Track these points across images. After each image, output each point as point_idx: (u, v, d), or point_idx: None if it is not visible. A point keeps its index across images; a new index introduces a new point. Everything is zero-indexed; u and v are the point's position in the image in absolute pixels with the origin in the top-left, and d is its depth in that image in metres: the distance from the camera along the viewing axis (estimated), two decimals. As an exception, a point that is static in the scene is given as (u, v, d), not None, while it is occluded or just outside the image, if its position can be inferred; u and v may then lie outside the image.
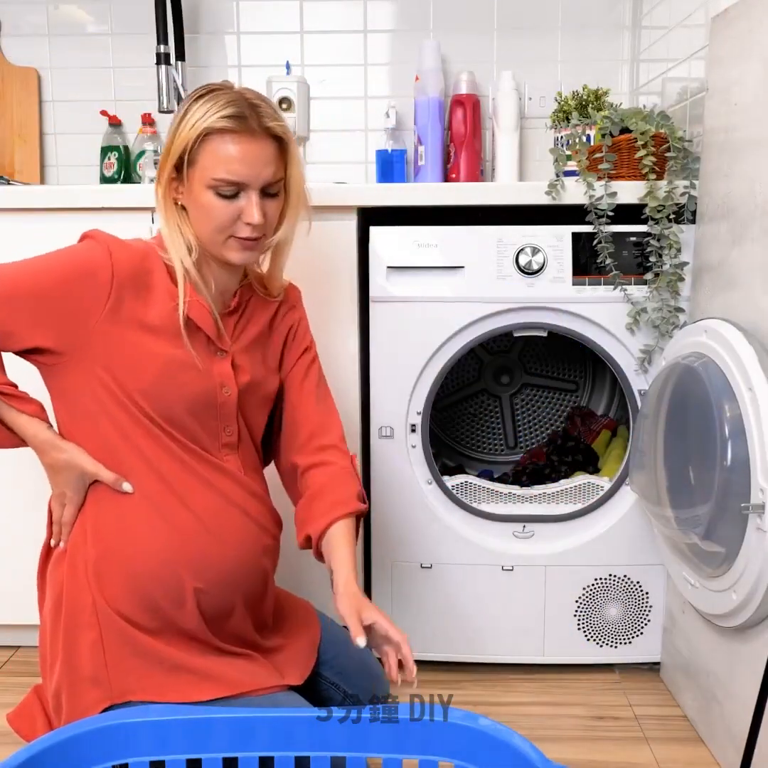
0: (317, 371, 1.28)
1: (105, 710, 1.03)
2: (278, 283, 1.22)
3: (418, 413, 1.55)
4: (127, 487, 1.08)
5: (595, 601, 1.59)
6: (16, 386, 1.09)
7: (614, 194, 1.47)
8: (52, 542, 1.12)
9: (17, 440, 1.10)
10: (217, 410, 1.13)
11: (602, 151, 1.49)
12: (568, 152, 1.60)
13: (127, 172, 2.05)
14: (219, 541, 1.11)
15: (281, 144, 1.09)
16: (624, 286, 1.48)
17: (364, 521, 1.60)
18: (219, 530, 1.11)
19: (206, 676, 1.07)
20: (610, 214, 1.46)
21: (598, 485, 1.58)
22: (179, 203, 1.10)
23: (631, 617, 1.59)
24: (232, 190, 1.06)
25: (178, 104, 1.93)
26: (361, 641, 1.01)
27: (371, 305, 1.53)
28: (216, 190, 1.06)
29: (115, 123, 2.04)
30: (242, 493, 1.15)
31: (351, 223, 1.51)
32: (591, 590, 1.58)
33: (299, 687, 1.19)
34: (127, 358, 1.06)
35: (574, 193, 1.49)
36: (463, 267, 1.50)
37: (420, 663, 1.58)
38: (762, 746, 1.17)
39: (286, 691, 1.12)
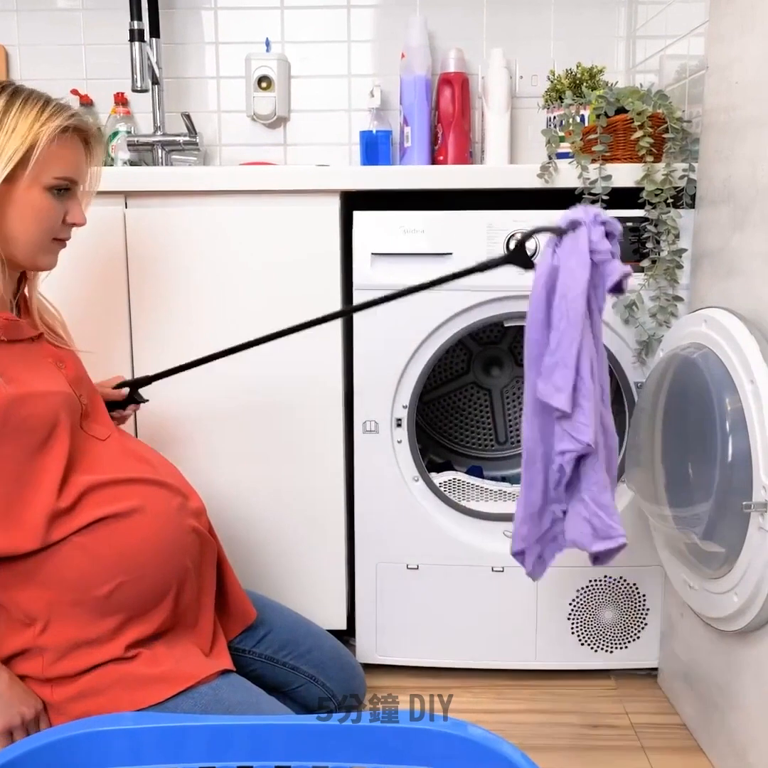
0: None
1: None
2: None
3: (404, 407, 1.52)
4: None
5: (590, 604, 1.57)
6: None
7: (609, 177, 1.45)
8: None
9: None
10: (81, 385, 1.14)
11: (597, 132, 1.47)
12: (561, 133, 1.58)
13: (100, 155, 2.02)
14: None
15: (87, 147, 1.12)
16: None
17: (347, 520, 1.59)
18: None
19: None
20: (605, 198, 1.44)
21: (592, 482, 1.56)
22: None
23: (627, 621, 1.58)
24: (66, 187, 1.07)
25: (152, 83, 1.90)
26: None
27: (355, 293, 1.50)
28: (54, 189, 1.05)
29: (86, 102, 2.00)
30: (136, 461, 1.13)
31: (333, 208, 1.49)
32: (585, 593, 1.57)
33: (278, 685, 1.21)
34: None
35: (567, 176, 1.47)
36: (451, 253, 1.48)
37: (407, 669, 1.60)
38: (762, 746, 1.17)
39: (268, 697, 1.11)
